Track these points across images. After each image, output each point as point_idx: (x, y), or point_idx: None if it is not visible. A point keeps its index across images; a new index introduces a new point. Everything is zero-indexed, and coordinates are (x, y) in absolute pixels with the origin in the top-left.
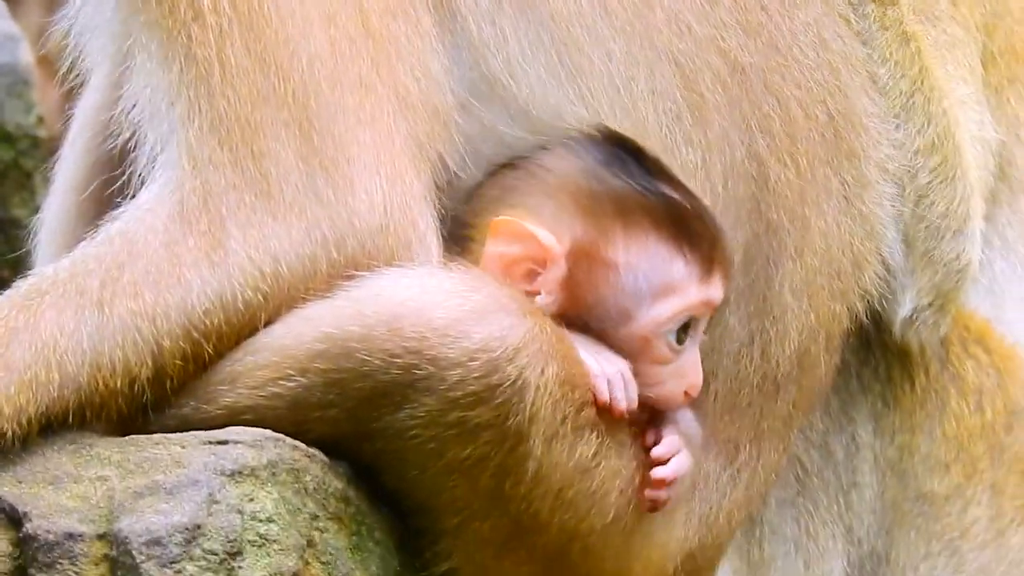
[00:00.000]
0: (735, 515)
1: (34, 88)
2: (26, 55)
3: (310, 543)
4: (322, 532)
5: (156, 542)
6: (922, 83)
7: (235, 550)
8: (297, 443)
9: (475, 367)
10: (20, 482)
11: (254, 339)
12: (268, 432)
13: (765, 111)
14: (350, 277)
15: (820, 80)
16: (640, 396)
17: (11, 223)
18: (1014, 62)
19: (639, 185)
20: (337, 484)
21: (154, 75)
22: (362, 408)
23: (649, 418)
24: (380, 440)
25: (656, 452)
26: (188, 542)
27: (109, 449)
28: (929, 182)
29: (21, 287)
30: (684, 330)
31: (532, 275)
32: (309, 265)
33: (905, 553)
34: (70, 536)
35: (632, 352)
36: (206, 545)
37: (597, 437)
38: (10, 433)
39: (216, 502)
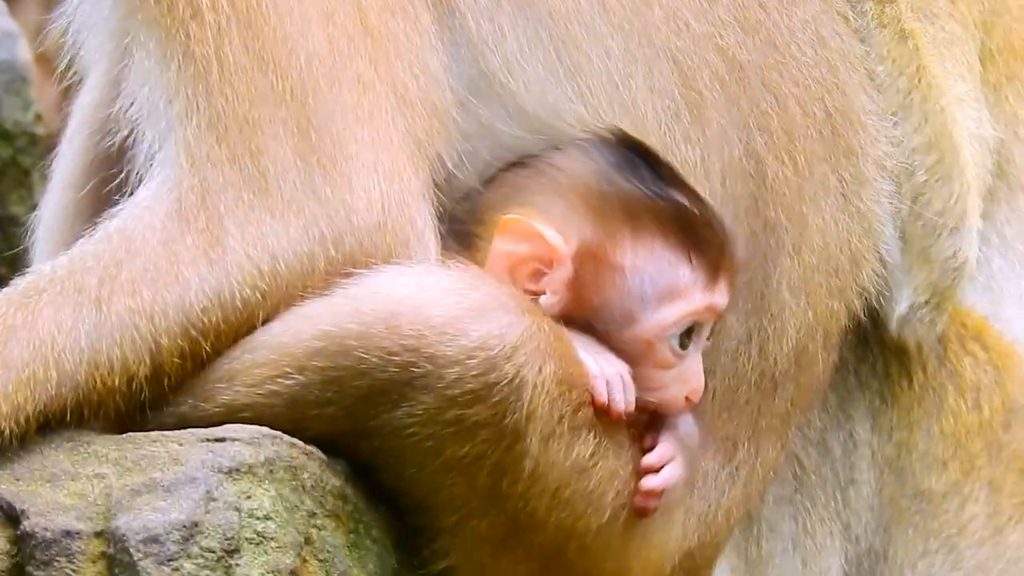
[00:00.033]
0: (734, 513)
1: (32, 85)
2: (24, 52)
3: (308, 540)
4: (320, 530)
5: (154, 540)
6: (919, 81)
7: (233, 548)
8: (295, 440)
9: (473, 365)
10: (18, 480)
11: (252, 337)
12: (265, 430)
13: (763, 109)
14: (348, 275)
15: (818, 78)
16: (641, 400)
17: (9, 220)
18: (1012, 60)
19: (650, 190)
20: (335, 482)
21: (152, 73)
22: (360, 406)
23: (648, 421)
24: (378, 438)
25: (647, 461)
26: (186, 540)
27: (107, 447)
28: (926, 180)
29: (19, 285)
30: (688, 335)
31: (538, 275)
32: (307, 263)
33: (903, 550)
34: (67, 534)
35: (635, 355)
36: (204, 543)
37: (595, 437)
38: (8, 431)
39: (214, 500)
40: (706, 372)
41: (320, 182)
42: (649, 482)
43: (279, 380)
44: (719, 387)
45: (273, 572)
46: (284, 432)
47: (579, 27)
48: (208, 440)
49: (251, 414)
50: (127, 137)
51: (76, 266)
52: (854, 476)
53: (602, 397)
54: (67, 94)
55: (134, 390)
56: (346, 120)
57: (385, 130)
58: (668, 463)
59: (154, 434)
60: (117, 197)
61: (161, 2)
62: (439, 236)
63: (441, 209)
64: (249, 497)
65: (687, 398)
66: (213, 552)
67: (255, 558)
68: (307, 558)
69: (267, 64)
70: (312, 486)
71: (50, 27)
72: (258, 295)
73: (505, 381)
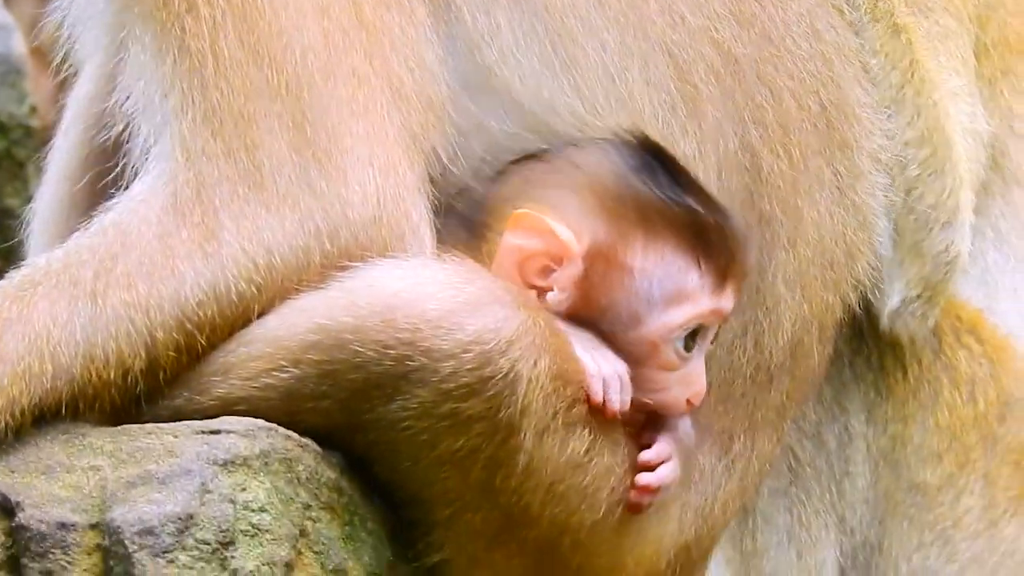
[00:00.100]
0: (730, 506)
1: (27, 78)
2: (19, 45)
3: (303, 533)
4: (315, 522)
5: (149, 532)
6: (912, 75)
7: (227, 540)
8: (290, 433)
9: (468, 359)
10: (13, 472)
11: (247, 330)
12: (261, 422)
13: (758, 102)
14: (343, 268)
15: (813, 71)
16: (642, 401)
17: (4, 213)
18: (1008, 54)
19: (666, 195)
20: (330, 474)
21: (148, 67)
22: (355, 399)
23: (646, 419)
24: (373, 431)
25: (644, 457)
26: (181, 532)
27: (102, 439)
28: (919, 174)
29: (14, 278)
30: (692, 338)
31: (547, 271)
32: (302, 256)
33: (898, 543)
34: (63, 526)
35: (640, 356)
36: (199, 535)
37: (590, 433)
38: (3, 424)
39: (209, 492)
40: None
41: (315, 176)
42: (644, 478)
43: (274, 373)
44: (715, 380)
45: (268, 564)
46: (279, 425)
47: (575, 20)
48: (203, 432)
49: (246, 407)
50: (123, 131)
51: (71, 259)
52: (849, 469)
53: (597, 396)
54: (62, 87)
55: (129, 383)
56: (341, 114)
57: (380, 124)
58: (665, 461)
59: (149, 426)
60: (112, 191)
61: None
62: (434, 230)
63: (437, 203)
64: (244, 489)
65: (688, 401)
66: (208, 544)
67: (250, 550)
68: (302, 550)
69: (262, 58)
70: (307, 478)
71: (45, 20)
72: (253, 289)
73: (500, 375)
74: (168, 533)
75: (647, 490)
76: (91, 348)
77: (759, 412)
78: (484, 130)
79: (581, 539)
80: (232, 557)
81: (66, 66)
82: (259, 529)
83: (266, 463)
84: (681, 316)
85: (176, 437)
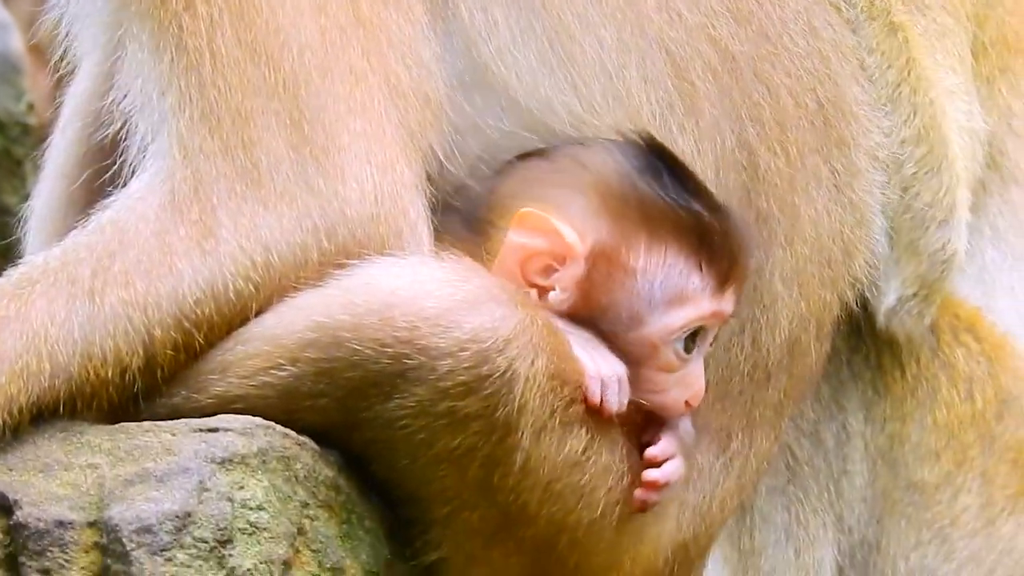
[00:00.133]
0: (727, 504)
1: (25, 75)
2: (17, 43)
3: (300, 531)
4: (312, 520)
5: (146, 530)
6: (908, 73)
7: (225, 538)
8: (288, 431)
9: (465, 357)
10: (11, 470)
11: (245, 328)
12: (259, 420)
13: (755, 99)
14: (341, 266)
15: (810, 68)
16: (640, 402)
17: (1, 210)
18: (1006, 52)
19: (670, 198)
20: (328, 472)
21: (145, 65)
22: (352, 397)
23: (643, 421)
24: (370, 429)
25: (651, 452)
26: (178, 530)
27: (99, 437)
28: (915, 172)
29: (12, 276)
30: (692, 339)
31: (549, 270)
32: (300, 254)
33: (895, 541)
34: (60, 524)
35: (640, 357)
36: (196, 533)
37: (587, 433)
38: (1, 422)
39: (206, 490)
40: None
41: (313, 173)
42: (652, 474)
43: (272, 371)
44: (712, 378)
45: (266, 562)
46: (277, 423)
47: (572, 17)
48: (201, 430)
49: (244, 405)
50: (120, 129)
51: (69, 257)
52: (847, 467)
53: (595, 397)
54: (60, 84)
55: (127, 381)
56: (339, 111)
57: (378, 121)
58: (670, 457)
59: (147, 424)
60: (110, 189)
61: None
62: (432, 228)
63: (434, 201)
64: (242, 487)
65: (687, 402)
66: (206, 542)
67: (248, 548)
68: (300, 548)
69: (260, 56)
70: (305, 476)
71: (43, 18)
72: (251, 286)
73: (497, 374)
74: (166, 531)
75: (654, 486)
76: (89, 346)
77: (757, 410)
78: (481, 128)
79: (578, 538)
80: (230, 555)
81: (64, 64)
82: (257, 527)
83: (264, 461)
84: (682, 318)
85: (174, 435)
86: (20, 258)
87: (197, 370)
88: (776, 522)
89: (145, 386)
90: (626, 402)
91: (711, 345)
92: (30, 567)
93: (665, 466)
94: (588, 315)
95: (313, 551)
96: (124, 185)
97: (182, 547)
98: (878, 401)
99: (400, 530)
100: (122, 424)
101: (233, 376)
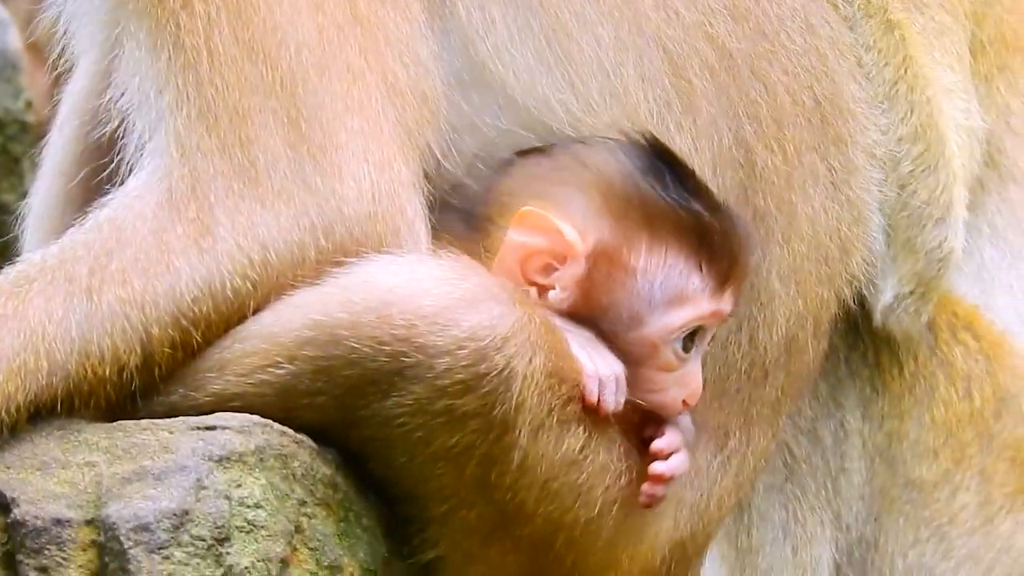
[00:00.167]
0: (725, 502)
1: (23, 73)
2: (15, 40)
3: (298, 529)
4: (310, 518)
5: (144, 528)
6: (905, 71)
7: (223, 536)
8: (285, 429)
9: (463, 355)
10: (8, 468)
11: (242, 326)
12: (256, 418)
13: (752, 97)
14: (338, 264)
15: (807, 66)
16: (638, 402)
17: None
18: (1004, 50)
19: (672, 199)
20: (325, 470)
21: (142, 63)
22: (350, 395)
23: (640, 421)
24: (368, 427)
25: (656, 445)
26: (176, 528)
27: (97, 435)
28: (912, 170)
29: (9, 274)
30: (691, 339)
31: (549, 269)
32: (297, 252)
33: (894, 539)
34: (58, 522)
35: (639, 357)
36: (194, 531)
37: (585, 431)
38: None
39: (204, 488)
40: None
41: (310, 171)
42: (658, 467)
43: (270, 370)
44: (710, 376)
45: (263, 560)
46: (275, 421)
47: (569, 16)
48: (199, 428)
49: (241, 403)
50: (118, 127)
51: (67, 255)
52: (845, 465)
53: (592, 396)
54: (58, 82)
55: (125, 380)
56: (336, 109)
57: (375, 119)
58: (675, 451)
59: (144, 422)
60: (108, 187)
61: None
62: (429, 225)
63: (431, 199)
64: (239, 485)
65: (684, 401)
66: (203, 540)
67: (245, 546)
68: (297, 546)
69: (257, 54)
70: (302, 474)
71: (41, 16)
72: (249, 285)
73: (495, 372)
74: (163, 529)
75: (661, 479)
76: (86, 344)
77: (754, 408)
78: (478, 126)
79: (576, 536)
80: (227, 553)
81: (62, 62)
82: (254, 525)
83: (261, 459)
84: (682, 318)
85: (171, 433)
86: (18, 256)
87: (195, 368)
88: (774, 520)
89: (143, 384)
90: (623, 401)
91: (709, 344)
92: (28, 565)
93: (671, 459)
94: (588, 314)
95: (311, 549)
96: (121, 183)
97: (179, 545)
98: (876, 399)
99: (398, 528)
100: (120, 422)
101: (231, 374)
